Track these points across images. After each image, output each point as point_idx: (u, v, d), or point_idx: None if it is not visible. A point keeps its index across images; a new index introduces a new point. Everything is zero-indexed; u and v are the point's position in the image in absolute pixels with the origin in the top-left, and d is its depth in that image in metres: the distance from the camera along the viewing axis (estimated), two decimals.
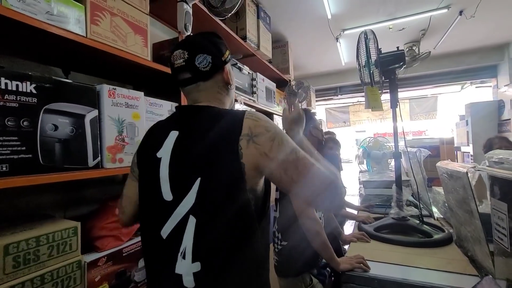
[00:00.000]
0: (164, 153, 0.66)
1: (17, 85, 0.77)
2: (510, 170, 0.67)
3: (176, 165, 0.64)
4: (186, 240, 0.59)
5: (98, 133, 0.98)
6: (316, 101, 5.13)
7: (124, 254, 1.06)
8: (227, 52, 0.76)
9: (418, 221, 1.36)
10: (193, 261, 0.58)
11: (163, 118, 1.30)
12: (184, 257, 0.58)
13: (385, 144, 2.91)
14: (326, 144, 2.24)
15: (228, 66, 0.76)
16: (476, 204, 0.83)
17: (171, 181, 0.63)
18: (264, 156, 0.60)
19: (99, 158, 0.98)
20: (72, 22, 0.91)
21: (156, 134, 0.73)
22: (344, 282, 0.99)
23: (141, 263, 1.14)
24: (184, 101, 1.44)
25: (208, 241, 0.59)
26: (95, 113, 0.97)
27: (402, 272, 0.98)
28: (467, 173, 0.83)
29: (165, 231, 0.62)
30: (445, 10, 2.76)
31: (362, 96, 5.72)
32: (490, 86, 4.59)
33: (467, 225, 1.01)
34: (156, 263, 0.67)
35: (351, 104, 6.40)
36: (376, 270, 0.99)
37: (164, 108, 1.33)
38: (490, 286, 0.74)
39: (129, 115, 1.10)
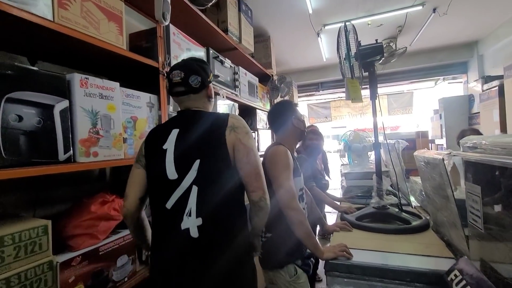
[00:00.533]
0: (169, 145, 0.89)
1: None
2: (483, 154, 0.70)
3: (179, 152, 0.87)
4: (190, 203, 0.83)
5: (69, 125, 0.92)
6: (299, 96, 5.17)
7: (101, 253, 1.00)
8: (211, 75, 1.03)
9: (397, 210, 1.40)
10: (197, 217, 0.82)
11: (141, 110, 1.27)
12: (189, 215, 0.82)
13: (365, 138, 2.98)
14: (307, 135, 2.25)
15: (211, 85, 1.03)
16: (452, 189, 0.86)
17: (176, 164, 0.86)
18: (238, 141, 0.88)
19: (71, 151, 0.92)
20: (38, 5, 0.84)
21: (159, 133, 0.95)
22: (328, 271, 0.99)
23: (120, 261, 1.09)
24: (163, 92, 1.39)
25: (207, 202, 0.83)
26: (65, 103, 0.90)
27: (383, 258, 1.01)
28: (443, 159, 0.86)
29: (170, 203, 0.85)
30: (420, 7, 2.86)
31: (343, 92, 5.83)
32: (461, 82, 4.84)
33: (444, 211, 1.05)
34: (163, 227, 0.87)
35: (332, 100, 6.52)
36: (359, 257, 1.00)
37: (142, 100, 1.27)
38: (466, 266, 0.77)
39: (104, 107, 1.04)
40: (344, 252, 1.00)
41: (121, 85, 1.14)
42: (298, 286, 1.09)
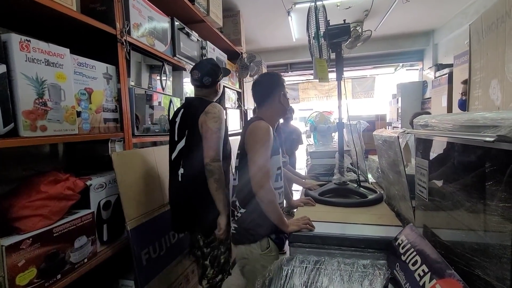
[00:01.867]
0: (178, 119, 1.38)
1: None
2: (432, 131, 0.77)
3: (180, 124, 1.36)
4: (182, 158, 1.33)
5: (8, 94, 0.80)
6: None
7: (55, 235, 0.94)
8: (221, 76, 1.46)
9: (356, 185, 1.51)
10: (182, 168, 1.32)
11: (97, 82, 1.16)
12: (181, 167, 1.32)
13: (330, 119, 3.10)
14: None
15: (219, 83, 1.47)
16: (404, 165, 0.94)
17: (177, 131, 1.36)
18: (205, 122, 1.28)
19: (13, 124, 0.82)
20: None
21: (175, 112, 1.43)
22: (291, 242, 1.05)
23: (78, 242, 1.03)
24: (122, 63, 1.28)
25: (188, 157, 1.31)
26: (1, 68, 0.79)
27: (341, 229, 1.09)
28: (398, 137, 0.93)
29: (172, 156, 1.36)
30: None
31: (311, 74, 5.93)
32: (417, 69, 5.20)
33: (396, 185, 1.15)
34: (170, 171, 1.39)
35: (301, 82, 6.61)
36: (320, 229, 1.07)
37: (98, 71, 1.16)
38: (411, 232, 0.86)
39: (52, 75, 0.93)
40: (307, 225, 1.05)
41: (72, 53, 1.02)
42: (269, 259, 1.10)
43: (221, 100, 2.68)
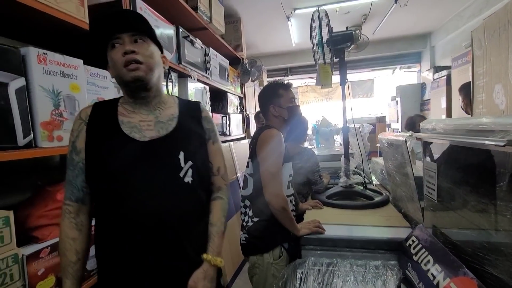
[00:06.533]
0: None
1: None
2: (440, 134, 0.79)
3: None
4: None
5: (27, 106, 0.82)
6: (267, 81, 5.18)
7: None
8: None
9: (361, 188, 1.53)
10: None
11: (108, 91, 1.18)
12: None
13: (332, 123, 3.14)
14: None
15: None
16: (412, 167, 0.96)
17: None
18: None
19: (32, 135, 0.84)
20: None
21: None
22: (303, 245, 1.07)
23: (93, 250, 1.04)
24: None
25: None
26: (21, 81, 0.81)
27: (350, 231, 1.11)
28: (405, 140, 0.95)
29: None
30: None
31: (310, 78, 5.99)
32: (415, 71, 5.26)
33: (403, 187, 1.17)
34: None
35: (300, 85, 6.66)
36: (330, 231, 1.09)
37: (108, 80, 1.18)
38: (421, 232, 0.88)
39: (67, 86, 0.95)
40: (318, 228, 1.07)
41: (84, 63, 1.04)
42: (279, 268, 1.08)
43: (223, 106, 2.70)
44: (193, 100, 1.96)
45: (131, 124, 0.76)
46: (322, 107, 7.03)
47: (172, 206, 0.73)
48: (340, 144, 3.12)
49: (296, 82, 6.47)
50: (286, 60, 5.21)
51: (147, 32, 0.78)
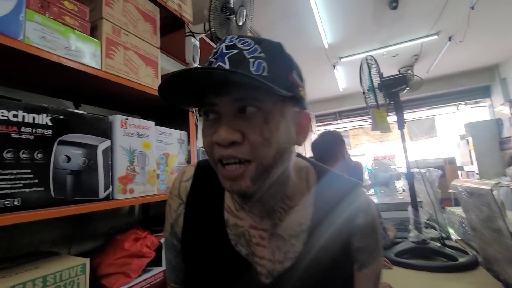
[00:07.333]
0: None
1: (33, 118, 0.77)
2: None
3: None
4: None
5: (110, 164, 0.96)
6: (317, 126, 5.20)
7: None
8: None
9: (439, 244, 1.30)
10: None
11: (173, 146, 1.32)
12: None
13: (389, 166, 2.89)
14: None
15: None
16: (505, 222, 0.79)
17: None
18: None
19: (110, 189, 0.95)
20: (88, 56, 0.94)
21: None
22: None
23: None
24: (192, 128, 1.45)
25: None
26: (107, 143, 0.96)
27: None
28: (491, 190, 0.81)
29: None
30: (435, 37, 2.91)
31: (361, 120, 5.81)
32: (485, 106, 4.70)
33: (496, 245, 0.96)
34: None
35: (351, 128, 6.48)
36: None
37: (173, 137, 1.33)
38: None
39: (140, 145, 1.10)
40: None
41: (156, 124, 1.21)
42: None
43: None
44: None
45: (237, 230, 0.51)
46: (376, 149, 6.62)
47: None
48: (403, 190, 2.80)
49: (346, 125, 6.34)
50: (334, 104, 5.23)
51: (265, 89, 0.38)
